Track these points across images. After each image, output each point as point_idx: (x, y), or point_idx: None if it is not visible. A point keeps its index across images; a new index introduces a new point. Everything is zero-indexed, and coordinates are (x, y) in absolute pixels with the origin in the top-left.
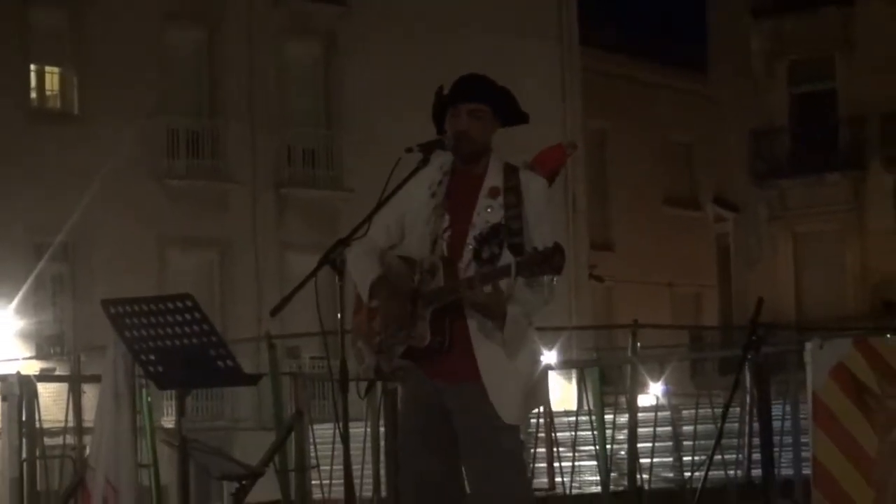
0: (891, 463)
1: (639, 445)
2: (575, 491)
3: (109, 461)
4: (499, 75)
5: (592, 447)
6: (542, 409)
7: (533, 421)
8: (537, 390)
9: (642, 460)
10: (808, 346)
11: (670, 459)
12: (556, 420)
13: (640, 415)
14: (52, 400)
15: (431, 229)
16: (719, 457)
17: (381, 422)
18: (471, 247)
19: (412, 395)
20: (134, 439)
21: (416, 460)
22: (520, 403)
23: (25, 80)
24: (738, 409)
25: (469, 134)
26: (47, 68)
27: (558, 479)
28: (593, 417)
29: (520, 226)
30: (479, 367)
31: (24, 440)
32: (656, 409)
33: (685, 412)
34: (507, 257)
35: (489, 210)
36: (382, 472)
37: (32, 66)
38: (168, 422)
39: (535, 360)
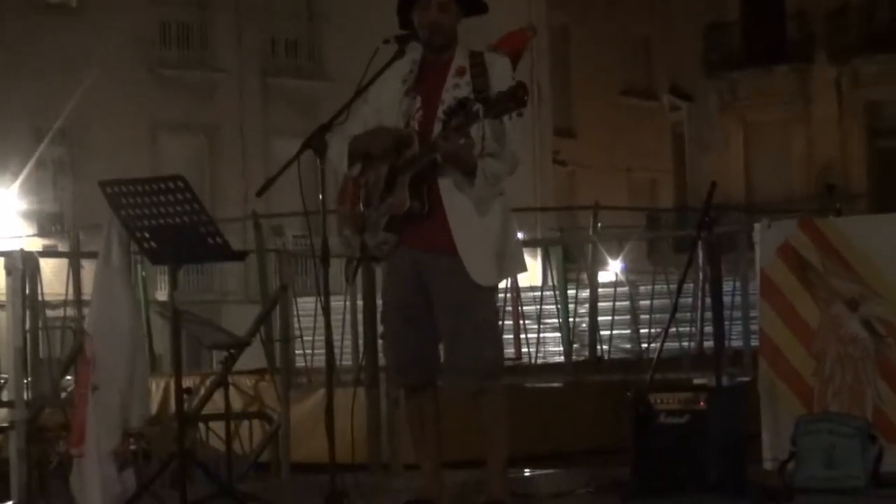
0: (830, 335)
1: (599, 318)
2: (540, 360)
3: (105, 329)
4: None
5: (556, 320)
6: (508, 283)
7: (500, 296)
8: (510, 252)
9: (602, 332)
10: (757, 226)
11: (628, 331)
12: (523, 295)
13: (600, 290)
14: (53, 274)
15: (404, 111)
16: (674, 329)
17: (360, 295)
18: (440, 119)
19: (393, 270)
20: (135, 310)
21: (397, 332)
22: (492, 264)
23: None
24: (691, 286)
25: (442, 25)
26: None
27: (524, 350)
28: (557, 292)
29: (486, 85)
30: (450, 224)
31: (27, 312)
32: (615, 284)
33: (642, 288)
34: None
35: (457, 87)
36: (361, 342)
37: None
38: (161, 295)
39: (506, 219)
